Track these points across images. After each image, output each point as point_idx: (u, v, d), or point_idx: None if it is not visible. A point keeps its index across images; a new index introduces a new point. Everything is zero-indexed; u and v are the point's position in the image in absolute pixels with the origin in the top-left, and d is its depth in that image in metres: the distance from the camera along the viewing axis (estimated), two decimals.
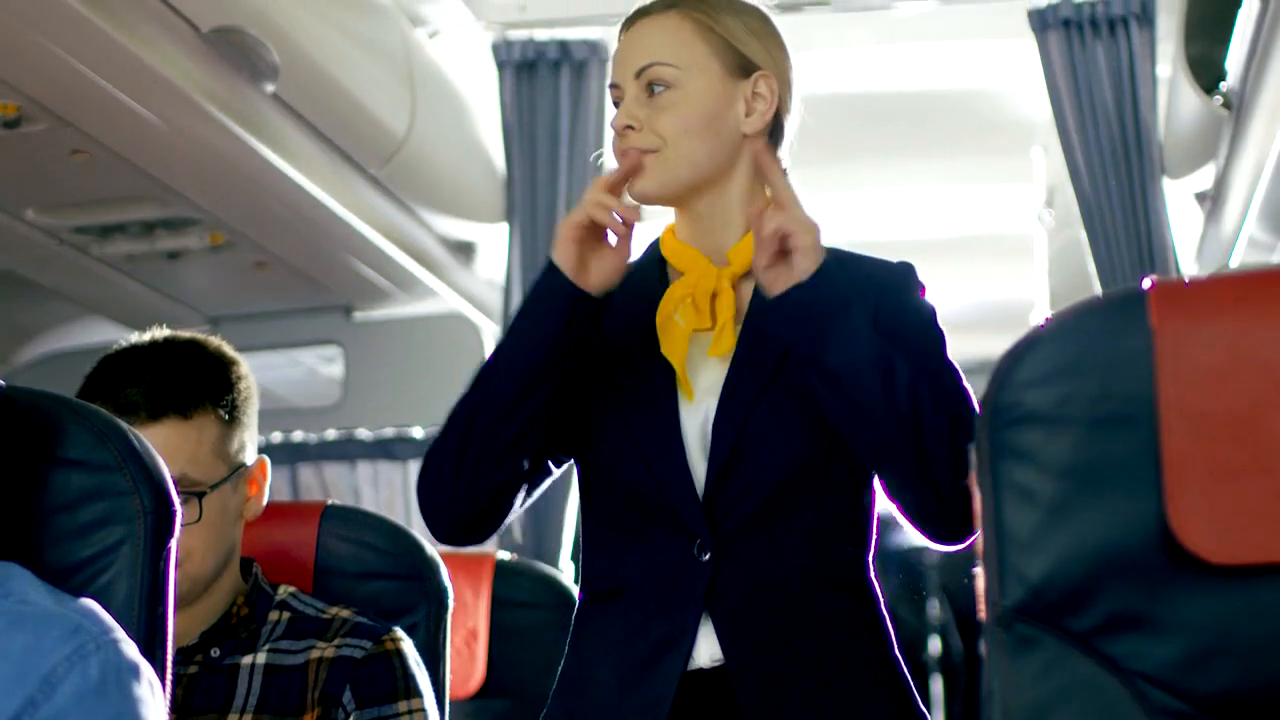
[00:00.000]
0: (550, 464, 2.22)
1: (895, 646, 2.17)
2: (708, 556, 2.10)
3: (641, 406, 2.15)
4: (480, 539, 2.22)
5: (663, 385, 2.15)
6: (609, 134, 2.25)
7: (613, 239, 2.14)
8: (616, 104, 2.21)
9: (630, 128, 2.16)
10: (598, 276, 2.12)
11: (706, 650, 2.10)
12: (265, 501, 2.40)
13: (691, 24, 2.19)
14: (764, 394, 2.11)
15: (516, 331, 2.15)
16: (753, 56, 2.19)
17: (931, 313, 2.19)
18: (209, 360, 2.34)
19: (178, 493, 2.03)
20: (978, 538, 1.38)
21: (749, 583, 2.09)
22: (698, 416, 2.14)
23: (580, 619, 2.20)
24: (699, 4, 2.20)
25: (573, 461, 2.25)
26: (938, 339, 2.16)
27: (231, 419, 2.33)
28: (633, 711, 2.10)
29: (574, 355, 2.12)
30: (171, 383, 2.29)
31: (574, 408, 2.18)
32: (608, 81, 2.25)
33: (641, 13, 2.23)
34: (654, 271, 2.24)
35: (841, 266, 2.15)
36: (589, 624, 2.19)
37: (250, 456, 2.36)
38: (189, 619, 2.28)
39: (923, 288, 2.19)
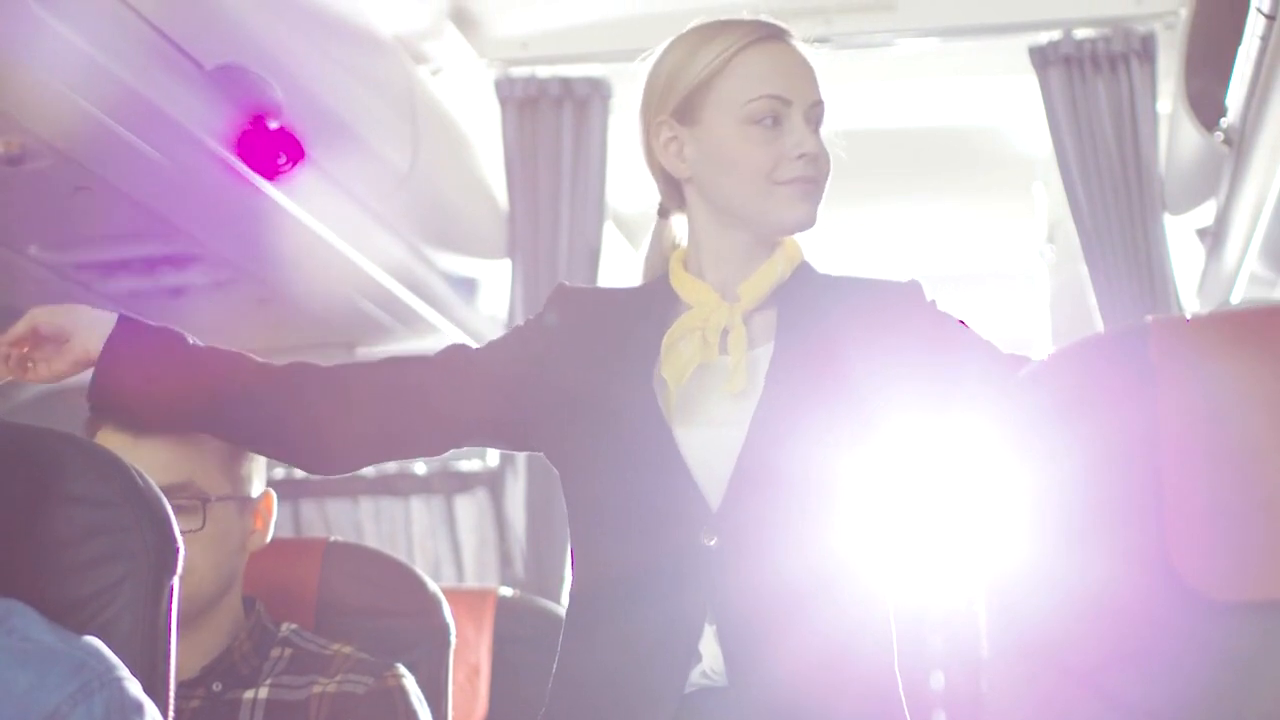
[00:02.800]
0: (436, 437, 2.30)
1: (898, 680, 2.17)
2: (714, 540, 2.09)
3: (635, 425, 2.15)
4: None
5: (651, 404, 2.15)
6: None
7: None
8: (768, 115, 2.17)
9: (817, 158, 2.19)
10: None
11: (708, 657, 2.09)
12: (270, 536, 2.42)
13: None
14: (798, 419, 2.12)
15: None
16: None
17: (946, 313, 2.24)
18: None
19: (182, 499, 2.11)
20: (979, 573, 1.38)
21: (756, 578, 2.09)
22: (701, 439, 2.14)
23: (575, 612, 2.20)
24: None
25: (554, 466, 2.28)
26: (958, 325, 2.23)
27: (238, 448, 2.35)
28: (643, 701, 2.09)
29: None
30: None
31: (556, 414, 2.19)
32: (764, 93, 2.17)
33: (786, 34, 2.24)
34: (662, 298, 2.24)
35: (843, 289, 2.19)
36: (585, 619, 2.18)
37: (256, 490, 2.40)
38: (189, 651, 2.29)
39: (934, 302, 2.23)
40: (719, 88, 2.19)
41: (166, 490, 2.26)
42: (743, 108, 2.17)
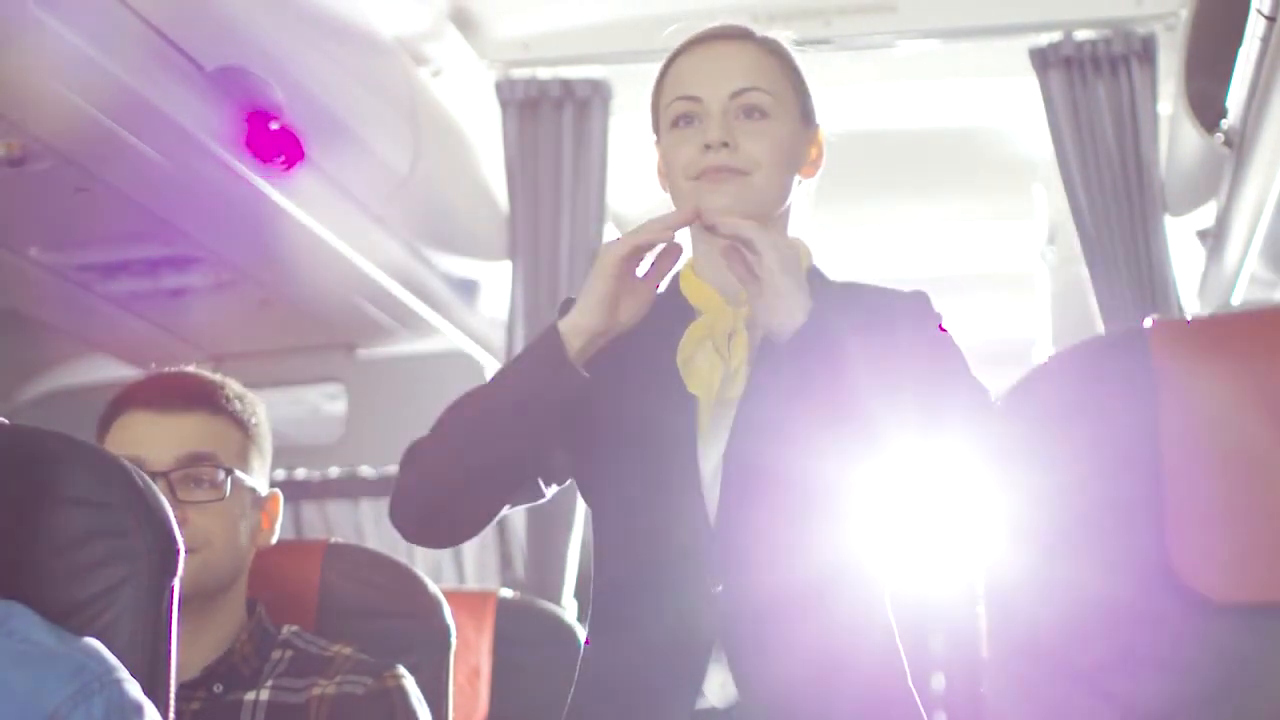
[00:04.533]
0: (540, 486, 2.22)
1: (909, 678, 2.17)
2: (720, 588, 2.09)
3: (660, 442, 2.15)
4: (448, 544, 2.26)
5: (682, 422, 2.15)
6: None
7: (643, 269, 2.11)
8: (683, 117, 2.19)
9: (726, 145, 2.16)
10: (629, 310, 2.11)
11: (718, 684, 2.09)
12: (276, 537, 2.45)
13: (777, 61, 2.22)
14: (775, 428, 2.11)
15: (514, 374, 2.15)
16: (813, 109, 2.23)
17: (949, 338, 2.19)
18: (234, 390, 2.46)
19: (206, 467, 2.26)
20: (980, 575, 1.38)
21: (762, 616, 2.09)
22: (714, 454, 2.14)
23: (589, 652, 2.19)
24: (775, 43, 2.24)
25: (579, 492, 2.26)
26: (954, 359, 2.16)
27: (250, 441, 2.43)
28: None
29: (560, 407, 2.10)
30: (202, 386, 2.42)
31: (583, 438, 2.18)
32: (676, 96, 2.20)
33: (713, 36, 2.23)
34: (676, 306, 2.24)
35: (850, 296, 2.18)
36: (598, 655, 2.18)
37: (264, 488, 2.43)
38: (191, 651, 2.30)
39: (938, 317, 2.21)
40: (656, 103, 2.27)
41: (192, 459, 2.33)
42: (664, 114, 2.23)
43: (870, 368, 2.09)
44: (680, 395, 2.15)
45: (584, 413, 2.16)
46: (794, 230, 2.27)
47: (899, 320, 2.18)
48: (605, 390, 2.17)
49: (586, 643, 2.20)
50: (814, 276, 2.25)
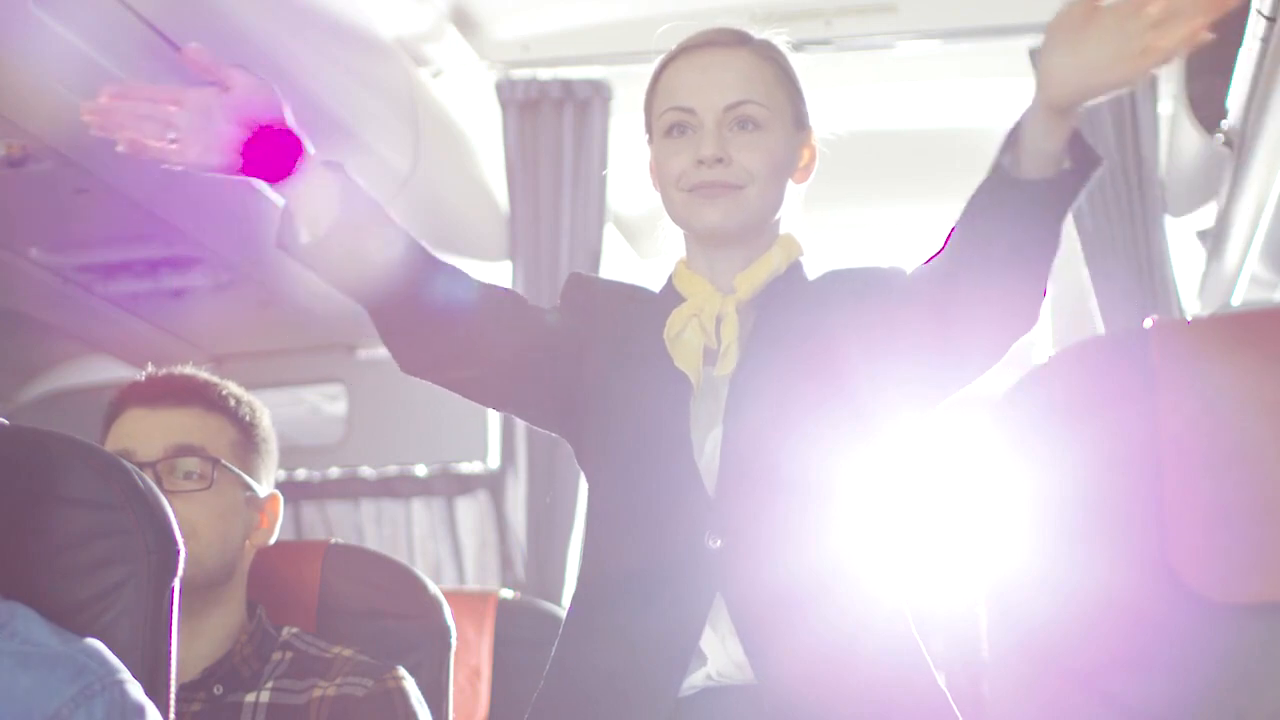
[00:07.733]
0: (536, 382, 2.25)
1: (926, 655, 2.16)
2: (719, 543, 2.09)
3: (653, 414, 2.16)
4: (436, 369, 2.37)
5: (674, 394, 2.16)
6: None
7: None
8: (676, 126, 2.21)
9: (720, 160, 2.17)
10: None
11: (713, 659, 2.08)
12: (275, 537, 2.45)
13: (771, 67, 2.22)
14: (770, 404, 2.13)
15: None
16: (807, 112, 2.24)
17: None
18: (232, 390, 2.47)
19: (193, 458, 2.28)
20: (980, 575, 1.38)
21: (764, 576, 2.08)
22: (707, 428, 2.15)
23: (577, 608, 2.19)
24: (770, 48, 2.24)
25: (580, 468, 2.27)
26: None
27: (248, 440, 2.43)
28: (638, 701, 2.08)
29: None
30: (196, 383, 2.44)
31: (578, 415, 2.19)
32: (669, 105, 2.21)
33: (708, 42, 2.24)
34: (670, 301, 2.25)
35: (836, 277, 2.20)
36: (587, 612, 2.17)
37: (264, 490, 2.43)
38: (191, 652, 2.30)
39: None
40: (649, 107, 2.27)
41: (179, 450, 2.33)
42: (657, 122, 2.24)
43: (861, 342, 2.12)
44: (672, 372, 2.17)
45: (578, 392, 2.20)
46: (785, 231, 2.28)
47: (890, 282, 2.21)
48: (602, 374, 2.19)
49: (576, 594, 2.20)
50: (794, 272, 2.26)
